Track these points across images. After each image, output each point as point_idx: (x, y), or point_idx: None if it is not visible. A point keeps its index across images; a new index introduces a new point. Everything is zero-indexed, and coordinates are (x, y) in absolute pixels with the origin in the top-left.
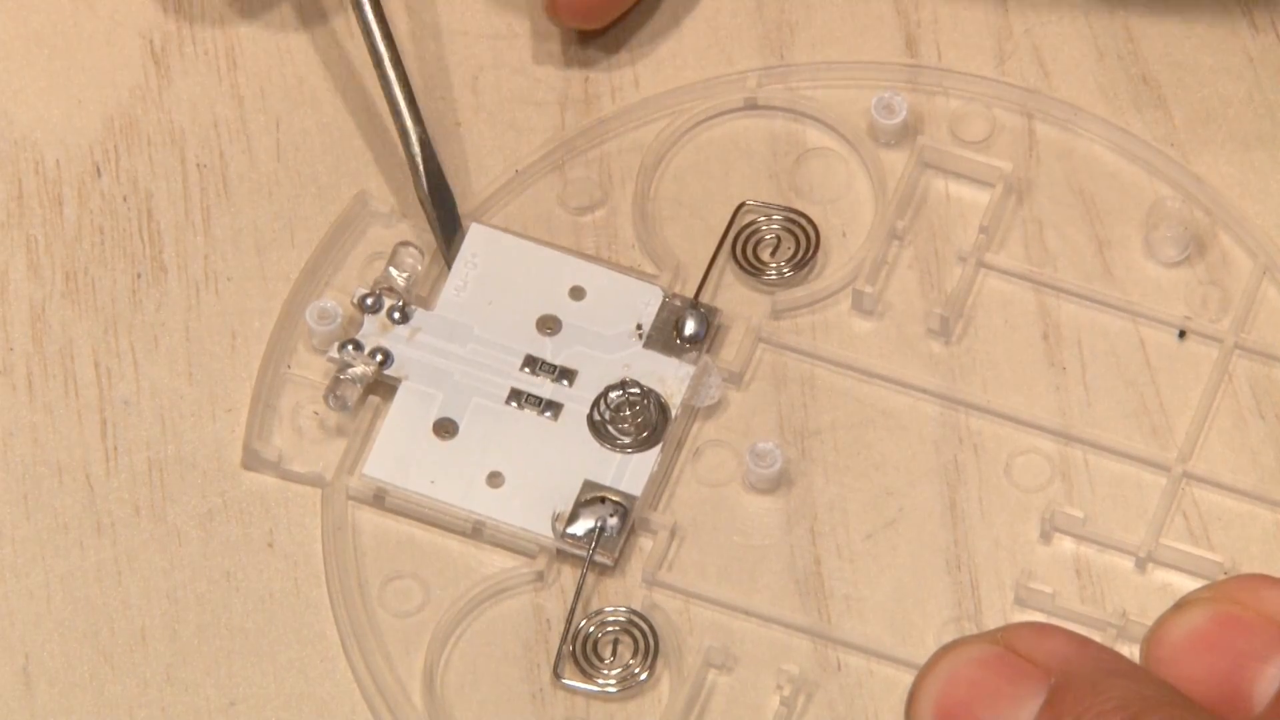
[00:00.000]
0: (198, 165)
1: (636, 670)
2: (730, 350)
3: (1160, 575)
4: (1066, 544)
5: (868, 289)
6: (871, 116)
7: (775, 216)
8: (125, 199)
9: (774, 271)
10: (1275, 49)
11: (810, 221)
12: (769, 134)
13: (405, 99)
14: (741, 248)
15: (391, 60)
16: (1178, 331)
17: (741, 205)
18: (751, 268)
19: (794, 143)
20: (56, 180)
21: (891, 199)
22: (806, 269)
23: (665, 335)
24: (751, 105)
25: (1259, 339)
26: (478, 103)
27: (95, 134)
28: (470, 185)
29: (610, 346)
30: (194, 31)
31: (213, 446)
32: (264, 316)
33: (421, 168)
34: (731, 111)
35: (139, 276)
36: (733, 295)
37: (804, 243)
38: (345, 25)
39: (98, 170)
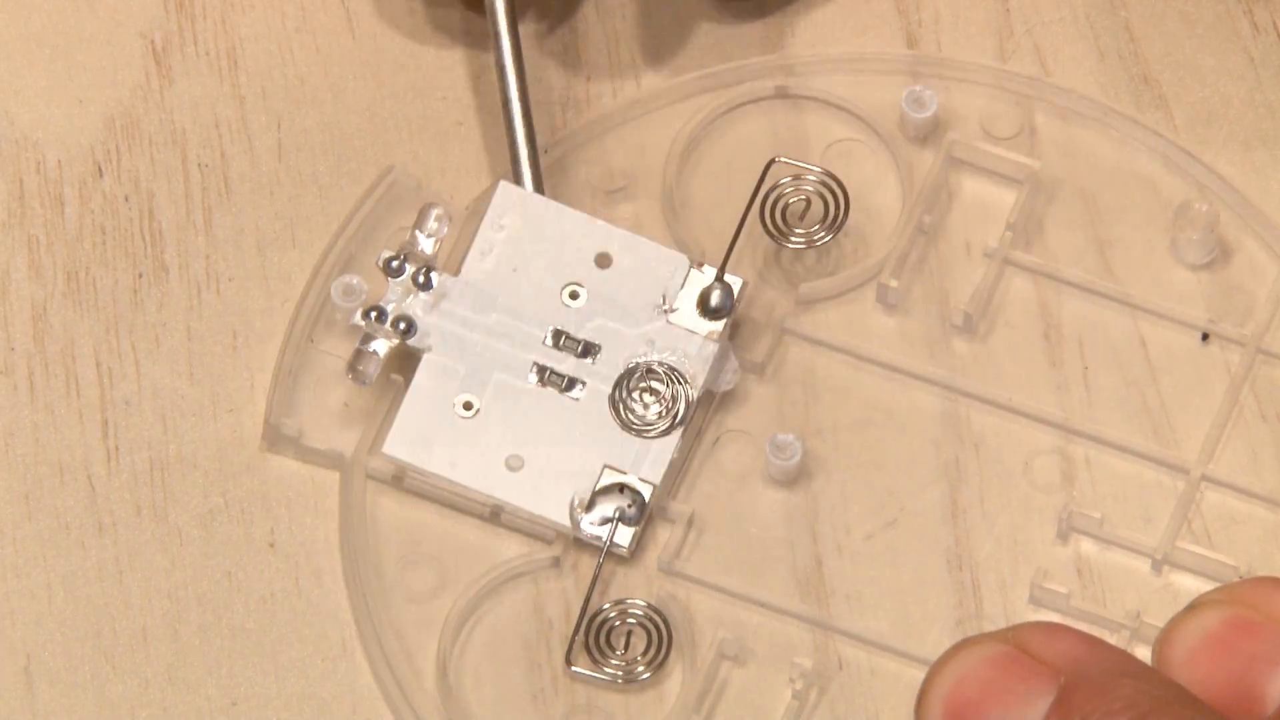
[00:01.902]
0: (199, 165)
1: (640, 669)
2: (754, 341)
3: (1174, 578)
4: (1078, 544)
5: (893, 283)
6: (901, 110)
7: (806, 179)
8: (127, 199)
9: (802, 238)
10: (1276, 49)
11: (840, 186)
12: (798, 123)
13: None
14: (770, 211)
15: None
16: (1201, 334)
17: (773, 161)
18: (779, 232)
19: (823, 133)
20: (58, 180)
21: (919, 193)
22: (836, 234)
23: (690, 308)
24: (782, 94)
25: None
26: (479, 103)
27: (96, 134)
28: (472, 184)
29: (634, 320)
30: (195, 31)
31: (214, 446)
32: (265, 316)
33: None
34: (761, 99)
35: (140, 276)
36: (758, 285)
37: (834, 208)
38: (346, 24)
39: (99, 170)
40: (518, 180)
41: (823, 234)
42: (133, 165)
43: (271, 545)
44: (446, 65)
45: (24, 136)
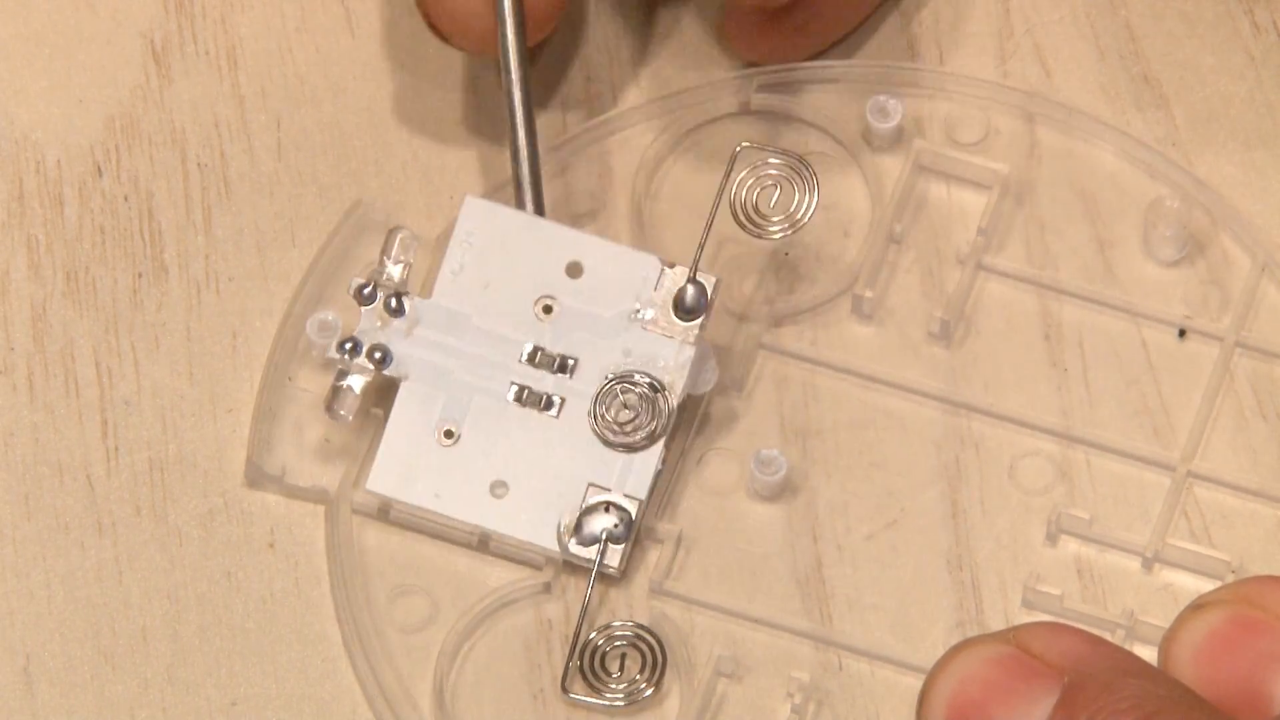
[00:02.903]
0: (199, 165)
1: (642, 686)
2: (731, 358)
3: (1167, 575)
4: (1071, 545)
5: (867, 294)
6: (866, 120)
7: (772, 161)
8: (126, 199)
9: (778, 226)
10: (1277, 48)
11: (809, 167)
12: (763, 138)
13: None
14: (741, 207)
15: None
16: (1178, 330)
17: (740, 148)
18: (754, 225)
19: (790, 147)
20: (57, 180)
21: (889, 203)
22: (810, 216)
23: (665, 311)
24: (746, 110)
25: (1259, 337)
26: (479, 102)
27: (96, 133)
28: (470, 186)
29: (609, 330)
30: (195, 31)
31: (214, 446)
32: (265, 316)
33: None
34: (727, 116)
35: (140, 276)
36: (732, 298)
37: (804, 188)
38: (346, 24)
39: (99, 170)
40: (520, 204)
41: (804, 213)
42: (132, 165)
43: (271, 545)
44: (446, 65)
45: (24, 136)
